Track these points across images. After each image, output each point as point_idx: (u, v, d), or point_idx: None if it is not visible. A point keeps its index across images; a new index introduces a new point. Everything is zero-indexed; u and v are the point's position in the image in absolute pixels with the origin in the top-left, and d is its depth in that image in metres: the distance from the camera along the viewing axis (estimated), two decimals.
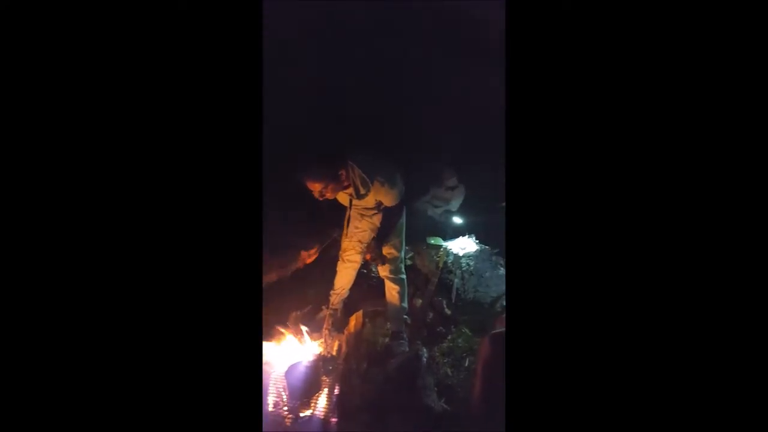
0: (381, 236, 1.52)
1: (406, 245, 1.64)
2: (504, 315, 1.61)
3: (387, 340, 1.65)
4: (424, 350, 1.55)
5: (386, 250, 1.55)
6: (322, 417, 1.24)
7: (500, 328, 1.33)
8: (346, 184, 1.36)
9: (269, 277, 1.80)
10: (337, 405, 1.27)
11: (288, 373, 1.32)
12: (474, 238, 2.33)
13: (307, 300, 1.83)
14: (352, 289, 1.69)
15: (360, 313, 1.70)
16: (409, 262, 2.11)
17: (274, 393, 1.30)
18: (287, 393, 1.28)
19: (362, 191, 1.37)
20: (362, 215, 1.54)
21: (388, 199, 1.44)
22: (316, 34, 2.51)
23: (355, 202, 1.45)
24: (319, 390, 1.31)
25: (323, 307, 1.72)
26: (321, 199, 1.34)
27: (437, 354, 1.63)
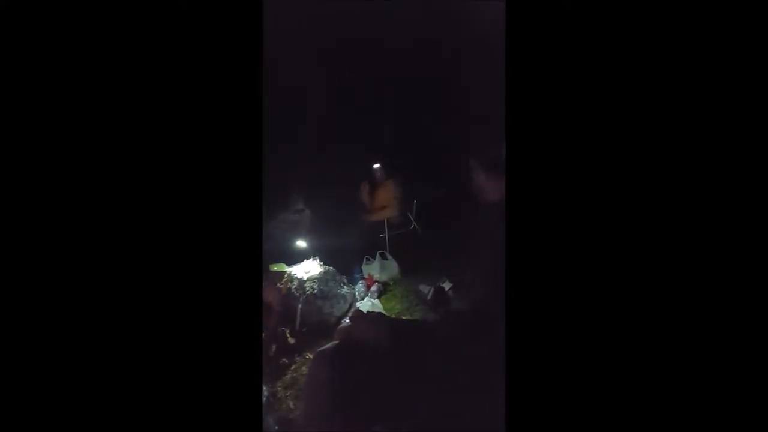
0: None
1: None
2: (339, 327, 1.70)
3: None
4: (264, 389, 1.50)
5: None
6: None
7: (329, 343, 1.40)
8: None
9: None
10: None
11: None
12: (318, 260, 2.38)
13: None
14: None
15: None
16: None
17: None
18: None
19: None
20: None
21: None
22: None
23: None
24: None
25: None
26: None
27: (279, 389, 1.60)
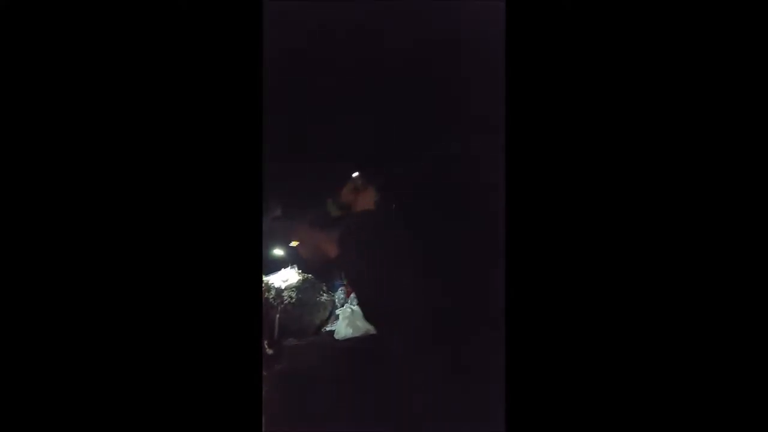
0: None
1: None
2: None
3: None
4: None
5: None
6: None
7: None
8: None
9: None
10: None
11: None
12: (296, 268, 2.33)
13: None
14: None
15: None
16: None
17: None
18: None
19: None
20: None
21: None
22: None
23: None
24: None
25: None
26: None
27: None
